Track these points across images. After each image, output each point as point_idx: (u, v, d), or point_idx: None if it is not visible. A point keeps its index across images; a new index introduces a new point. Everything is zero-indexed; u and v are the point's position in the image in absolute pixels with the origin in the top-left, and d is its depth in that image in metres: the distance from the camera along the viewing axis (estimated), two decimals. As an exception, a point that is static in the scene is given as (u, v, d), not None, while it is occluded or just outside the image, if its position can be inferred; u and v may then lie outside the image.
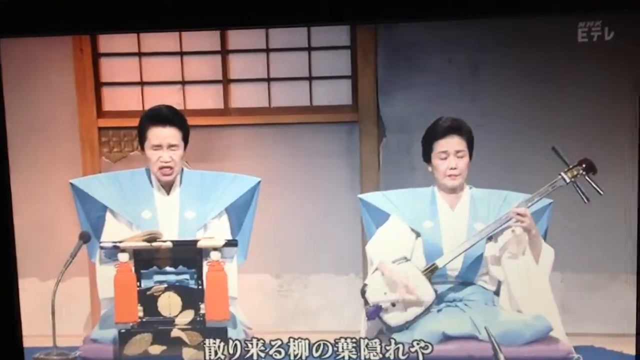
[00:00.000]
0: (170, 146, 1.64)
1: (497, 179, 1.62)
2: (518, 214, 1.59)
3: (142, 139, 1.66)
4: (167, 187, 1.69)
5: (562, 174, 1.57)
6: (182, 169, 1.68)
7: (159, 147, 1.65)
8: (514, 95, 1.55)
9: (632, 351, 1.58)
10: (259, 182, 1.66)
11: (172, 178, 1.68)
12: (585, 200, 1.57)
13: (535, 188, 1.59)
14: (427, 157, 1.62)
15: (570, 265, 1.63)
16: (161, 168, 1.66)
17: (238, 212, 1.68)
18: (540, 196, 1.59)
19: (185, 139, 1.65)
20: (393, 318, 1.64)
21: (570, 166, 1.57)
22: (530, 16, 1.48)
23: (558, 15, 1.49)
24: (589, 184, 1.56)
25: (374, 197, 1.64)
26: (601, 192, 1.56)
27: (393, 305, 1.65)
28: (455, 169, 1.61)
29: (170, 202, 1.68)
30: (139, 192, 1.68)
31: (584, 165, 1.56)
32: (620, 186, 1.54)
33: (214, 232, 1.69)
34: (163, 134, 1.64)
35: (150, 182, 1.68)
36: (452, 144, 1.59)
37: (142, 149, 1.67)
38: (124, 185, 1.68)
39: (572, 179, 1.57)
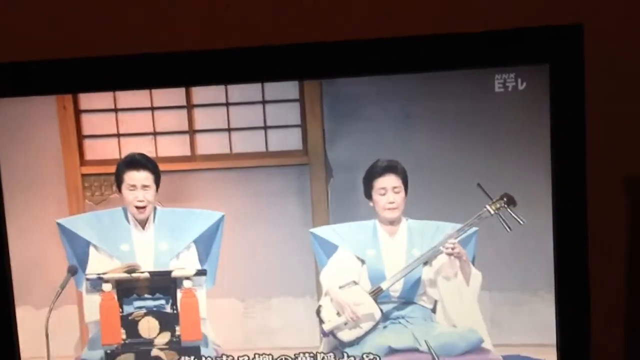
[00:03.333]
0: (144, 186, 1.75)
1: (430, 212, 1.71)
2: (449, 247, 1.71)
3: (119, 181, 1.75)
4: (142, 224, 1.78)
5: (487, 206, 1.67)
6: (155, 208, 1.78)
7: (134, 187, 1.76)
8: (442, 140, 1.64)
9: (553, 358, 1.67)
10: (223, 216, 1.74)
11: (146, 215, 1.77)
12: (508, 230, 1.67)
13: (463, 219, 1.69)
14: (368, 194, 1.73)
15: (497, 285, 1.71)
16: (137, 207, 1.77)
17: (205, 243, 1.77)
18: (469, 227, 1.69)
19: (157, 182, 1.74)
20: (345, 335, 1.75)
21: (494, 200, 1.67)
22: (451, 70, 1.60)
23: (475, 69, 1.60)
24: (510, 215, 1.67)
25: (323, 231, 1.73)
26: (521, 222, 1.66)
27: (345, 324, 1.76)
28: (393, 202, 1.72)
29: (146, 236, 1.77)
30: (117, 228, 1.77)
31: (505, 199, 1.66)
32: (538, 215, 1.63)
33: (185, 261, 1.78)
34: (137, 177, 1.74)
35: (127, 219, 1.78)
36: (389, 181, 1.71)
37: (120, 191, 1.77)
38: (104, 222, 1.77)
39: (496, 211, 1.67)
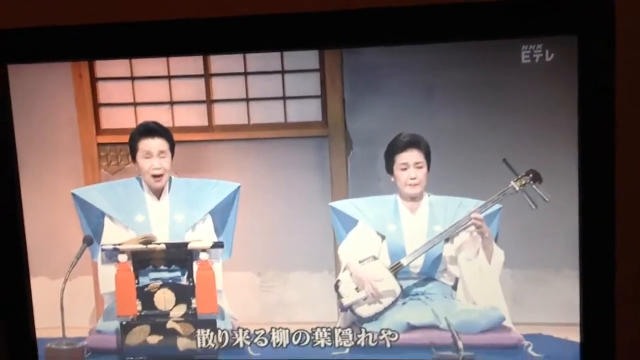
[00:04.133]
0: (160, 153, 1.72)
1: (452, 187, 1.66)
2: (476, 218, 1.66)
3: (133, 151, 1.72)
4: (158, 193, 1.74)
5: (512, 182, 1.62)
6: (171, 178, 1.74)
7: (149, 155, 1.73)
8: (466, 113, 1.58)
9: (576, 338, 1.62)
10: (239, 187, 1.70)
11: (162, 184, 1.74)
12: (533, 207, 1.62)
13: (486, 195, 1.64)
14: (389, 169, 1.68)
15: (519, 262, 1.66)
16: (153, 175, 1.73)
17: (221, 214, 1.74)
18: (492, 203, 1.64)
19: (172, 150, 1.71)
20: (364, 310, 1.72)
21: (519, 176, 1.62)
22: (476, 40, 1.54)
23: (501, 39, 1.54)
24: (535, 191, 1.62)
25: (343, 205, 1.69)
26: (546, 199, 1.61)
27: (364, 299, 1.73)
28: (414, 178, 1.68)
29: (161, 206, 1.74)
30: (132, 198, 1.74)
31: (530, 175, 1.61)
32: (563, 193, 1.58)
33: (201, 232, 1.75)
34: (153, 144, 1.71)
35: (142, 189, 1.75)
36: (411, 156, 1.66)
37: (135, 160, 1.74)
38: (118, 192, 1.74)
39: (521, 187, 1.62)
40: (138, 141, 1.72)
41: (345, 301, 1.72)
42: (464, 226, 1.68)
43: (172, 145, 1.72)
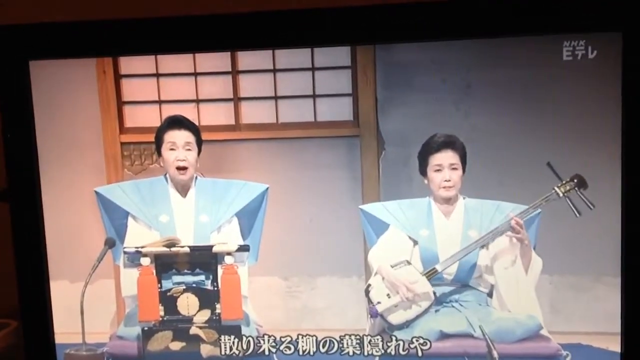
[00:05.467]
0: (186, 144, 1.67)
1: (488, 190, 1.60)
2: (516, 223, 1.59)
3: (159, 144, 1.67)
4: (184, 191, 1.70)
5: (556, 188, 1.55)
6: (196, 177, 1.69)
7: (175, 146, 1.67)
8: (505, 112, 1.53)
9: (617, 348, 1.56)
10: (267, 189, 1.66)
11: (187, 178, 1.69)
12: (577, 214, 1.55)
13: (524, 199, 1.57)
14: (423, 171, 1.62)
15: (559, 269, 1.60)
16: (178, 168, 1.68)
17: (248, 217, 1.69)
18: (534, 209, 1.57)
19: (199, 144, 1.66)
20: (395, 317, 1.65)
21: (563, 181, 1.55)
22: (515, 36, 1.48)
23: (542, 35, 1.48)
24: (579, 198, 1.55)
25: (373, 208, 1.63)
26: (591, 207, 1.54)
27: (395, 306, 1.66)
28: (449, 180, 1.62)
29: (186, 205, 1.69)
30: (157, 197, 1.70)
31: (575, 181, 1.54)
32: (605, 197, 1.52)
33: (226, 235, 1.70)
34: (179, 135, 1.66)
35: (167, 184, 1.70)
36: (446, 158, 1.60)
37: (160, 154, 1.69)
38: (143, 191, 1.70)
39: (565, 194, 1.55)
40: (164, 133, 1.68)
41: (379, 308, 1.65)
42: (501, 232, 1.60)
43: (198, 140, 1.67)
